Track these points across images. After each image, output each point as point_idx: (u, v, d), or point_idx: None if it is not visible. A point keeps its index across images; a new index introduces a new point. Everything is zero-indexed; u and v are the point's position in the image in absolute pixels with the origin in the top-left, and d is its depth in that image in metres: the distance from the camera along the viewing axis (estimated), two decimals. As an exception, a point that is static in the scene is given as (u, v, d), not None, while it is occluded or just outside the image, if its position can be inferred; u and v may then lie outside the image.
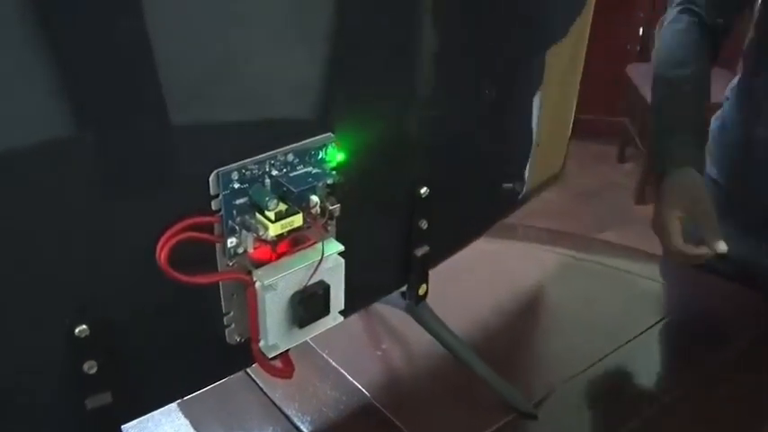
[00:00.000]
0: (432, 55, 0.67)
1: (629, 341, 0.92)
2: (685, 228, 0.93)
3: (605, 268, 1.08)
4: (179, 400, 0.66)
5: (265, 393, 0.84)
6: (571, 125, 0.99)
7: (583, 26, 0.89)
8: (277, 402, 0.83)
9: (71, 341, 0.51)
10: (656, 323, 0.96)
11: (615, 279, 1.05)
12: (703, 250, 0.88)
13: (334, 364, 0.87)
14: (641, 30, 2.94)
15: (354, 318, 0.93)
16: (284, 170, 0.57)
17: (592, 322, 0.95)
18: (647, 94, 2.92)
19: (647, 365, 0.90)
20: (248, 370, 0.84)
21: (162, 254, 0.51)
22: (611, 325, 0.95)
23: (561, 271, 1.07)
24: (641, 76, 2.68)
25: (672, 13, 1.04)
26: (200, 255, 0.55)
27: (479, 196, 0.84)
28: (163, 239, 0.51)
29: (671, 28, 1.02)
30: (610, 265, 1.09)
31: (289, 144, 0.57)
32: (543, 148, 0.97)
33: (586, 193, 2.70)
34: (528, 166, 0.96)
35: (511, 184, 0.91)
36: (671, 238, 0.90)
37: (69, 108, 0.45)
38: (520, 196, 0.98)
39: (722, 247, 0.84)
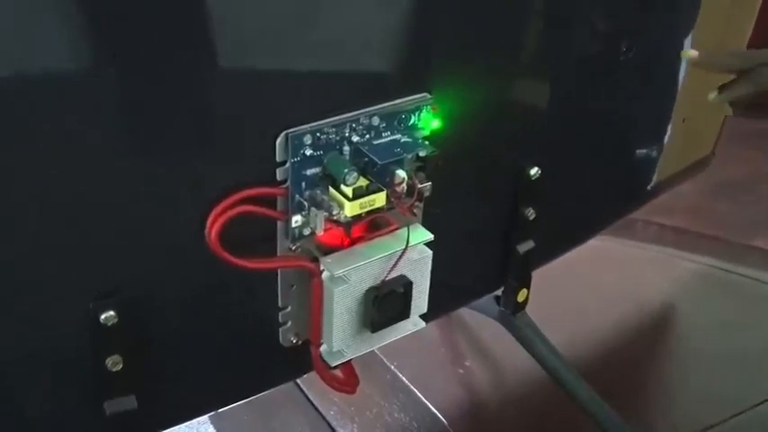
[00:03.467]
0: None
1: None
2: None
3: (757, 284, 1.05)
4: (213, 412, 0.67)
5: (317, 409, 0.85)
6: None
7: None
8: (331, 421, 0.84)
9: (94, 330, 0.51)
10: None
11: (769, 299, 1.03)
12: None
13: (404, 380, 0.87)
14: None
15: (432, 326, 0.92)
16: (367, 136, 0.57)
17: (737, 354, 0.93)
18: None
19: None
20: (299, 380, 0.85)
21: (213, 230, 0.52)
22: (764, 359, 0.92)
23: (698, 285, 1.05)
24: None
25: None
26: (257, 233, 0.56)
27: (601, 183, 0.83)
28: (215, 212, 0.52)
29: None
30: (763, 279, 1.06)
31: (375, 104, 0.57)
32: (691, 122, 0.95)
33: (733, 185, 2.62)
34: (666, 146, 0.94)
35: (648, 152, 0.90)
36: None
37: (109, 42, 0.46)
38: (651, 185, 0.96)
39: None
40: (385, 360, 0.88)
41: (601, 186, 0.83)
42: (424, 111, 0.59)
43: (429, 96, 0.59)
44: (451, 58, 0.61)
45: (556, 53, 0.70)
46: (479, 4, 0.61)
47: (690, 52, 0.74)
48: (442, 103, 0.60)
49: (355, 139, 0.56)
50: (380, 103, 0.57)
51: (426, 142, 0.59)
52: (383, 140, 0.58)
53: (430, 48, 0.59)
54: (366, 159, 0.56)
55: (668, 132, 0.95)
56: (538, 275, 0.78)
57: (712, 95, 0.75)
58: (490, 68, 0.64)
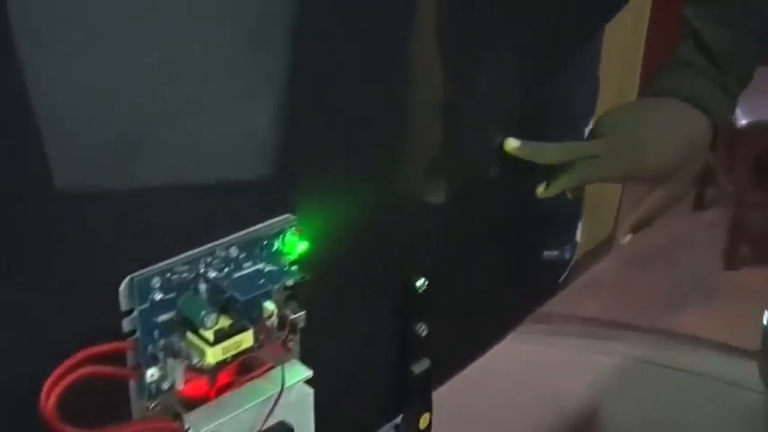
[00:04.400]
0: (428, 99, 0.70)
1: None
2: None
3: (687, 376, 1.08)
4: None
5: None
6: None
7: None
8: None
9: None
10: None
11: (703, 391, 1.05)
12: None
13: None
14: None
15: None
16: (226, 270, 0.58)
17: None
18: (737, 113, 2.96)
19: None
20: None
21: (49, 401, 0.50)
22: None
23: (621, 380, 1.07)
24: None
25: None
26: (107, 395, 0.55)
27: (502, 287, 0.86)
28: (49, 383, 0.51)
29: None
30: (693, 370, 1.09)
31: (231, 234, 0.58)
32: (590, 202, 1.00)
33: (650, 256, 2.71)
34: (577, 230, 0.99)
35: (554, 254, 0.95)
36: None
37: None
38: (562, 278, 1.00)
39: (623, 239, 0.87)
40: None
41: (503, 290, 0.86)
42: (289, 234, 0.60)
43: (292, 217, 0.60)
44: (313, 171, 0.63)
45: (435, 154, 0.73)
46: (340, 109, 0.64)
47: (510, 142, 0.78)
48: (308, 222, 0.61)
49: (212, 274, 0.57)
50: (237, 232, 0.58)
51: (295, 268, 0.60)
52: (245, 272, 0.58)
53: (288, 162, 0.60)
54: (227, 296, 0.57)
55: (579, 228, 1.00)
56: (442, 390, 0.79)
57: (540, 189, 0.80)
58: (359, 177, 0.66)
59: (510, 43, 0.77)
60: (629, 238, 0.85)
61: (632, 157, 0.81)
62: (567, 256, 1.00)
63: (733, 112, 0.86)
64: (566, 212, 0.98)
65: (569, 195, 0.84)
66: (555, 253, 0.98)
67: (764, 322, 0.92)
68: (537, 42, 0.80)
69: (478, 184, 0.80)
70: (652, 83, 0.86)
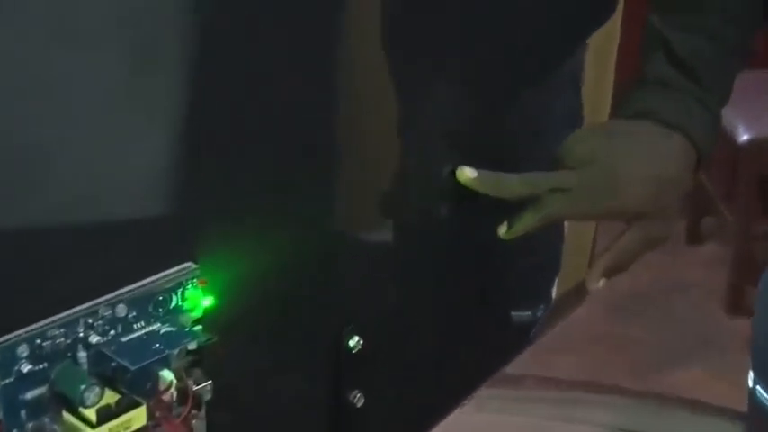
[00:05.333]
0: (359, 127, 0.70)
1: None
2: None
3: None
4: None
5: None
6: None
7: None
8: None
9: None
10: None
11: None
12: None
13: None
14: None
15: None
16: (112, 333, 0.57)
17: None
18: (738, 127, 2.98)
19: None
20: None
21: None
22: None
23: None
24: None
25: None
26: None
27: (455, 343, 0.86)
28: None
29: None
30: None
31: (118, 287, 0.57)
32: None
33: (637, 302, 2.71)
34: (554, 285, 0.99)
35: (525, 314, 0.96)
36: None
37: None
38: (532, 333, 1.00)
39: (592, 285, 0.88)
40: None
41: (458, 348, 0.86)
42: (190, 286, 0.59)
43: (193, 266, 0.60)
44: (218, 209, 0.62)
45: (371, 188, 0.74)
46: (251, 136, 0.64)
47: (465, 171, 0.79)
48: (213, 272, 0.61)
49: (94, 339, 0.56)
50: (125, 285, 0.57)
51: (198, 328, 0.59)
52: (135, 335, 0.58)
53: (186, 199, 0.60)
54: (114, 365, 0.56)
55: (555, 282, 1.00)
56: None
57: (502, 230, 0.80)
58: (275, 215, 0.66)
59: (466, 53, 0.78)
60: (601, 283, 0.85)
61: (607, 193, 0.81)
62: (539, 313, 1.00)
63: (717, 132, 0.86)
64: (540, 258, 0.98)
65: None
66: (525, 314, 0.98)
67: (749, 384, 0.92)
68: (506, 54, 0.82)
69: (426, 222, 0.80)
70: (623, 101, 0.87)
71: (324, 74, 0.68)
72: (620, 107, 0.86)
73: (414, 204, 0.79)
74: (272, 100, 0.64)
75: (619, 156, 0.82)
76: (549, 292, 1.01)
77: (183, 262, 0.60)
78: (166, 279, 0.59)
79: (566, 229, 0.99)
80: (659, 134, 0.83)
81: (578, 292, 0.96)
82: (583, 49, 0.97)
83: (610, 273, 0.85)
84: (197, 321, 0.60)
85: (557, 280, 1.01)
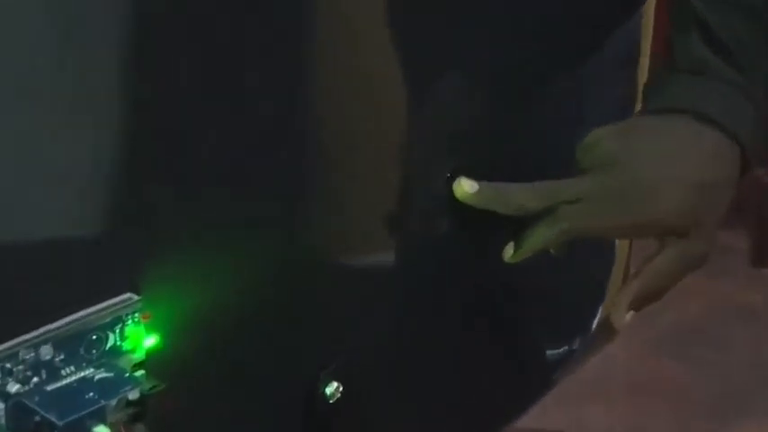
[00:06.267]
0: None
1: None
2: None
3: None
4: None
5: None
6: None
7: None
8: None
9: None
10: None
11: None
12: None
13: None
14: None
15: None
16: (35, 380, 0.57)
17: None
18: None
19: None
20: None
21: None
22: None
23: None
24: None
25: None
26: None
27: (455, 390, 0.86)
28: None
29: None
30: None
31: (42, 324, 0.57)
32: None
33: (685, 337, 2.70)
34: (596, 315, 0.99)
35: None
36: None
37: None
38: (556, 374, 0.99)
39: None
40: None
41: (460, 397, 0.86)
42: (130, 323, 0.59)
43: (135, 299, 0.60)
44: (165, 227, 0.62)
45: (351, 204, 0.73)
46: (202, 135, 0.63)
47: (463, 184, 0.78)
48: (159, 305, 0.60)
49: (14, 388, 0.56)
50: (50, 322, 0.57)
51: (140, 373, 0.59)
52: (64, 383, 0.57)
53: (125, 215, 0.60)
54: (37, 419, 0.55)
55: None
56: None
57: (508, 253, 0.79)
58: (234, 234, 0.66)
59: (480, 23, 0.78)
60: (628, 317, 0.83)
61: (633, 203, 0.80)
62: (573, 347, 0.99)
63: (765, 130, 0.85)
64: (585, 278, 0.97)
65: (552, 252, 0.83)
66: (557, 351, 0.97)
67: None
68: (529, 28, 0.81)
69: (427, 237, 0.80)
70: (651, 93, 0.86)
71: (294, 65, 0.68)
72: (646, 100, 0.85)
73: (412, 218, 0.79)
74: (233, 94, 0.64)
75: (646, 157, 0.81)
76: (590, 322, 1.00)
77: (121, 293, 0.60)
78: (101, 314, 0.59)
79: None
80: (695, 131, 0.81)
81: (609, 326, 0.95)
82: (637, 17, 0.95)
83: (640, 303, 0.84)
84: (139, 365, 0.60)
85: (601, 308, 1.00)
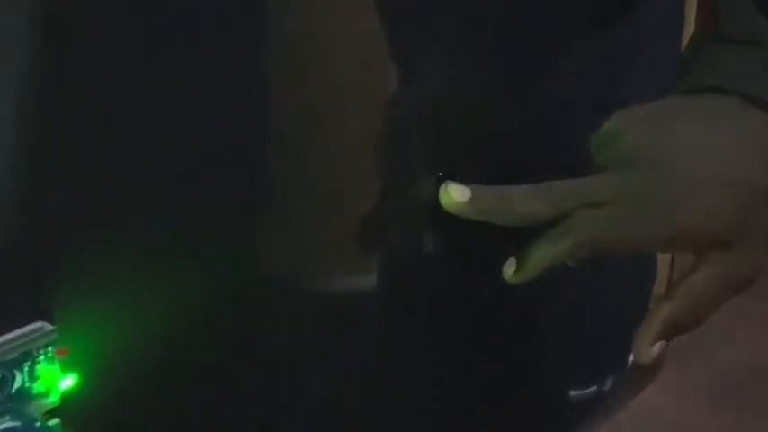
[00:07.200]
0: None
1: None
2: None
3: None
4: None
5: None
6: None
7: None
8: None
9: None
10: None
11: None
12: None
13: None
14: None
15: None
16: None
17: None
18: None
19: None
20: None
21: None
22: None
23: None
24: None
25: None
26: None
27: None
28: None
29: None
30: None
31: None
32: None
33: (742, 379, 2.72)
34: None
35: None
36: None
37: None
38: (584, 422, 0.99)
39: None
40: None
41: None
42: (43, 359, 0.58)
43: (48, 328, 0.59)
44: (85, 244, 0.62)
45: (323, 213, 0.72)
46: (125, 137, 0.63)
47: (451, 190, 0.75)
48: (78, 337, 0.60)
49: None
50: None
51: (55, 421, 0.59)
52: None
53: (38, 227, 0.60)
54: None
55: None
56: None
57: (510, 271, 0.77)
58: (171, 249, 0.65)
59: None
60: (656, 349, 0.81)
61: (663, 208, 0.78)
62: (605, 387, 0.98)
63: None
64: (620, 303, 0.96)
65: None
66: (586, 391, 0.96)
67: None
68: None
69: (402, 262, 0.78)
70: (685, 69, 0.83)
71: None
72: (680, 77, 0.83)
73: (393, 231, 0.78)
74: (170, 90, 0.64)
75: (680, 151, 0.78)
76: (625, 358, 0.98)
77: (31, 322, 0.59)
78: (6, 347, 0.58)
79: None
80: (744, 118, 0.80)
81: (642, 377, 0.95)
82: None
83: (672, 332, 0.82)
84: (53, 411, 0.59)
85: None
